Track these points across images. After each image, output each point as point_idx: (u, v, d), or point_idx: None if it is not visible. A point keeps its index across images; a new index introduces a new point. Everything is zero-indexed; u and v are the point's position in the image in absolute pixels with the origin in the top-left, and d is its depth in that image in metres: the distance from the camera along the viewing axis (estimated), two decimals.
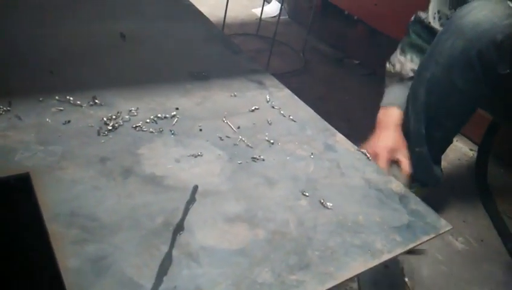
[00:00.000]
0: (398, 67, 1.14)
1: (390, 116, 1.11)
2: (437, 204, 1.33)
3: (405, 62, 1.13)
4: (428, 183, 1.21)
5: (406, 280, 1.10)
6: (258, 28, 2.25)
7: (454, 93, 1.04)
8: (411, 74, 1.12)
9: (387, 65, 1.17)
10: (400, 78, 1.14)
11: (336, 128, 0.96)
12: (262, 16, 2.27)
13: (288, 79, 1.82)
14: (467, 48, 0.98)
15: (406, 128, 1.18)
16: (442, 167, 1.29)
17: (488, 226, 1.32)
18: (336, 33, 2.26)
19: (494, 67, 0.98)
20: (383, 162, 0.97)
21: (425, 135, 1.12)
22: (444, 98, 1.06)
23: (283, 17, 2.43)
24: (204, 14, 1.36)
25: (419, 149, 1.15)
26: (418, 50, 1.12)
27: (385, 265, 1.07)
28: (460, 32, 0.98)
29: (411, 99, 1.12)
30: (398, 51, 1.15)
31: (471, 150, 1.67)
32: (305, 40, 2.12)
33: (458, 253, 1.21)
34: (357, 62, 2.17)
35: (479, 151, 1.52)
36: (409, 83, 1.12)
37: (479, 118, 1.48)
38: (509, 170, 1.59)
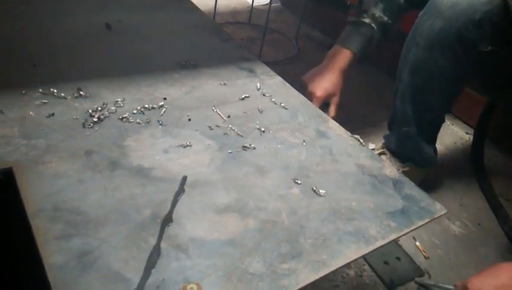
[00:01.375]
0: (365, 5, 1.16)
1: (341, 57, 1.13)
2: (434, 188, 1.32)
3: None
4: (421, 163, 1.21)
5: None
6: (250, 16, 2.22)
7: (437, 73, 1.05)
8: (367, 20, 1.13)
9: None
10: (357, 19, 1.15)
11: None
12: (254, 4, 2.24)
13: (281, 67, 1.79)
14: (446, 27, 0.98)
15: (393, 110, 1.18)
16: (438, 151, 1.28)
17: (485, 209, 1.32)
18: (329, 19, 2.23)
19: (474, 45, 0.99)
20: (317, 102, 1.04)
21: (413, 116, 1.12)
22: (427, 79, 1.07)
23: (275, 4, 2.40)
24: (195, 3, 1.34)
25: (407, 129, 1.16)
26: None
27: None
28: (439, 12, 0.99)
29: (396, 81, 1.12)
30: None
31: (467, 133, 1.66)
32: (297, 27, 2.09)
33: (455, 237, 1.21)
34: None
35: (474, 134, 1.51)
36: (364, 31, 1.14)
37: (475, 101, 1.47)
38: (505, 152, 1.58)
